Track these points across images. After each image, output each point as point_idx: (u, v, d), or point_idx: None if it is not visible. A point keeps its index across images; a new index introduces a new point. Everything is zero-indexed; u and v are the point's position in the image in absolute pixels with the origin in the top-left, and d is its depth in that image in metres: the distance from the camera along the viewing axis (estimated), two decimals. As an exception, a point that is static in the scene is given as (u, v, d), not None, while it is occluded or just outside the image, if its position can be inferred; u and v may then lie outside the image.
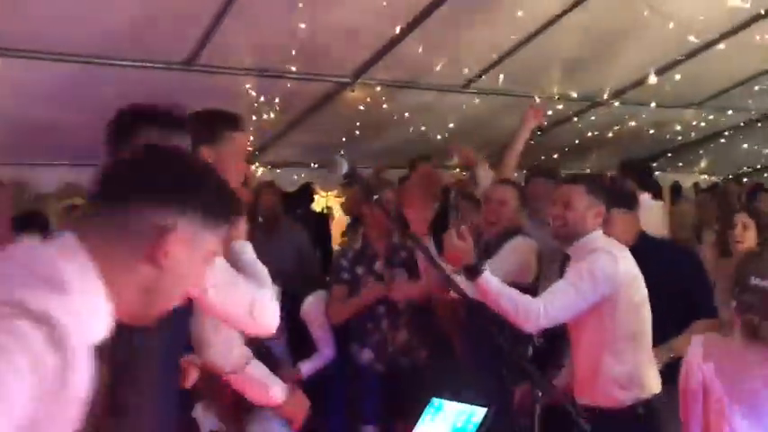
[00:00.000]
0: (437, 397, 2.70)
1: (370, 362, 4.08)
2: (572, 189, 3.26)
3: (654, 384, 3.18)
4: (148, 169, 1.36)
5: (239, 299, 2.14)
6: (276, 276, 4.16)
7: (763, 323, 2.41)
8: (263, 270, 2.30)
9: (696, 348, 2.62)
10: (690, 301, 3.62)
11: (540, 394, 2.42)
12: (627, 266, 3.13)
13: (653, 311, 3.20)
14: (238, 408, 4.02)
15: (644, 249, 3.45)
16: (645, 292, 3.17)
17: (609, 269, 3.06)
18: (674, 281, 3.52)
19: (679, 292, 3.55)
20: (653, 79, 5.04)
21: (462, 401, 2.65)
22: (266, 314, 2.18)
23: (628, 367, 3.12)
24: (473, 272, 2.99)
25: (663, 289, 3.24)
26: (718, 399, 2.50)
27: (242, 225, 2.38)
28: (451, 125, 5.84)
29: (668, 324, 3.41)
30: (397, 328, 4.04)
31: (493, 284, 2.99)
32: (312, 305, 4.20)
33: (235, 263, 2.23)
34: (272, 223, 5.62)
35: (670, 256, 3.81)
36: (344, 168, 2.52)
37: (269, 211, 5.68)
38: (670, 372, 2.98)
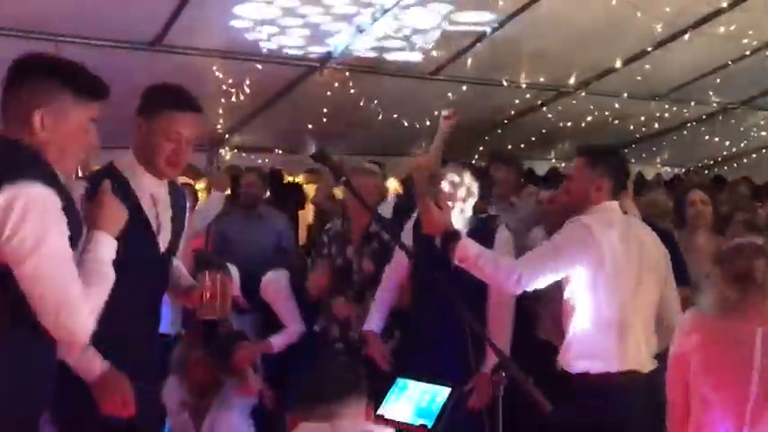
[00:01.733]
0: (402, 377, 2.71)
1: (334, 339, 4.04)
2: (576, 162, 3.31)
3: (610, 360, 3.09)
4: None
5: (51, 293, 1.87)
6: (254, 260, 4.13)
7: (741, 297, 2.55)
8: (105, 273, 2.02)
9: (684, 321, 2.73)
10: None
11: (503, 374, 2.42)
12: (604, 240, 3.06)
13: None
14: (207, 386, 4.00)
15: None
16: (624, 269, 3.10)
17: (579, 239, 3.06)
18: None
19: None
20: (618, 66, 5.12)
21: (427, 381, 2.67)
22: (72, 322, 1.90)
23: (585, 335, 3.10)
24: (452, 238, 2.99)
25: None
26: (695, 371, 2.61)
27: (121, 214, 2.11)
28: (419, 111, 5.86)
29: None
30: (360, 317, 3.95)
31: (471, 248, 3.00)
32: (270, 282, 4.10)
33: (85, 252, 2.01)
34: (252, 207, 5.60)
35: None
36: (312, 148, 2.51)
37: (250, 194, 5.64)
38: None
